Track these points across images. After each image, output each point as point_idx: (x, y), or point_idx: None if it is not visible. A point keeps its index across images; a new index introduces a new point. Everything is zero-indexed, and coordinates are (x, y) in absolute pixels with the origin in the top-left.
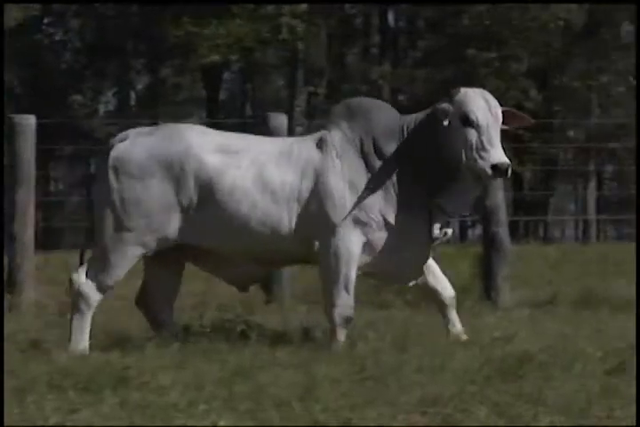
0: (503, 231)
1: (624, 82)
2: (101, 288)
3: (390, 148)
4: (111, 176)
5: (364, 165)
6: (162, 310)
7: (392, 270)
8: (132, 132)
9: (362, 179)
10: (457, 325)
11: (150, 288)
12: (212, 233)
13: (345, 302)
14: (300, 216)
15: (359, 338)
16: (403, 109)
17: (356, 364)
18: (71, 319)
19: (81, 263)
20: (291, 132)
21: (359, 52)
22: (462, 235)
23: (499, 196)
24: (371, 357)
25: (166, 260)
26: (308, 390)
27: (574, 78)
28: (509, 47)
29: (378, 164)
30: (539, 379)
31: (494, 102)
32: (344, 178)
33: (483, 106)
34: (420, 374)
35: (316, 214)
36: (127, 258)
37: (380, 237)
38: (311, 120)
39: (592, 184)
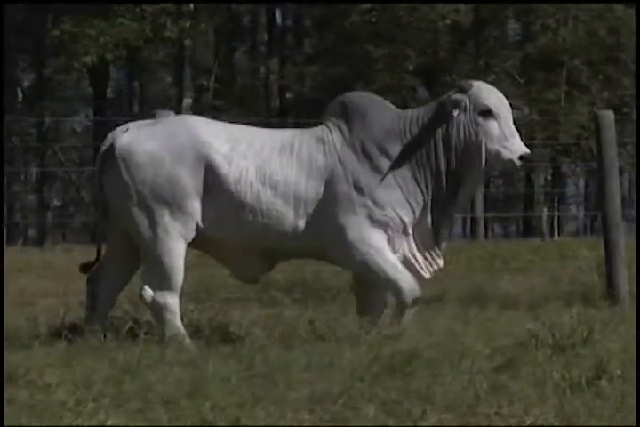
0: None
1: (511, 80)
2: (172, 291)
3: (394, 147)
4: (122, 168)
5: (368, 165)
6: (106, 293)
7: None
8: (132, 124)
9: (368, 180)
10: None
11: (107, 270)
12: (219, 222)
13: (409, 283)
14: (306, 214)
15: (247, 335)
16: (291, 106)
17: (244, 362)
18: (163, 331)
19: (97, 259)
20: None
21: (247, 50)
22: None
23: None
24: (259, 354)
25: (123, 244)
26: (197, 388)
27: (461, 76)
28: (398, 45)
29: (384, 164)
30: (427, 376)
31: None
32: (348, 181)
33: (500, 97)
34: (308, 372)
35: (324, 215)
36: (176, 252)
37: (399, 234)
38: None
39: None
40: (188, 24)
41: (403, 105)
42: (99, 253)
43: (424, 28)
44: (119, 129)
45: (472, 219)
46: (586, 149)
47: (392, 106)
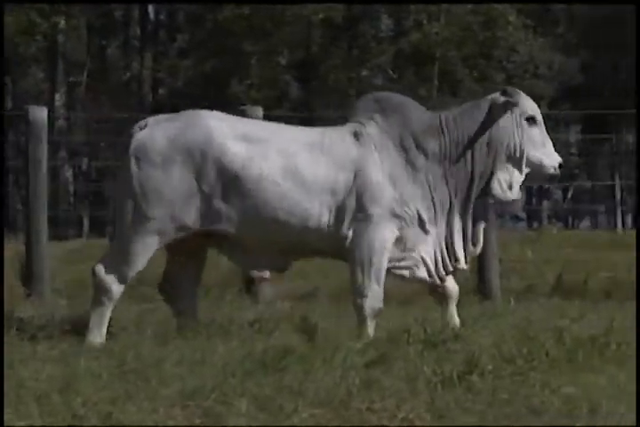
0: None
1: (383, 75)
2: (123, 280)
3: (431, 144)
4: (132, 164)
5: (403, 160)
6: (183, 298)
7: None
8: (151, 119)
9: (401, 173)
10: (455, 317)
11: (172, 275)
12: (239, 221)
13: (376, 294)
14: (331, 208)
15: (120, 331)
16: (165, 101)
17: (116, 357)
18: (91, 311)
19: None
20: (51, 126)
21: (120, 45)
22: None
23: None
24: (131, 350)
25: (189, 247)
26: (68, 383)
27: (335, 71)
28: (271, 40)
29: (418, 160)
30: (300, 372)
31: None
32: (383, 171)
33: (536, 105)
34: (180, 368)
35: (351, 207)
36: (147, 247)
37: (412, 232)
38: (72, 112)
39: None
40: (62, 21)
41: (277, 100)
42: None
43: (297, 22)
44: (138, 124)
45: None
46: None
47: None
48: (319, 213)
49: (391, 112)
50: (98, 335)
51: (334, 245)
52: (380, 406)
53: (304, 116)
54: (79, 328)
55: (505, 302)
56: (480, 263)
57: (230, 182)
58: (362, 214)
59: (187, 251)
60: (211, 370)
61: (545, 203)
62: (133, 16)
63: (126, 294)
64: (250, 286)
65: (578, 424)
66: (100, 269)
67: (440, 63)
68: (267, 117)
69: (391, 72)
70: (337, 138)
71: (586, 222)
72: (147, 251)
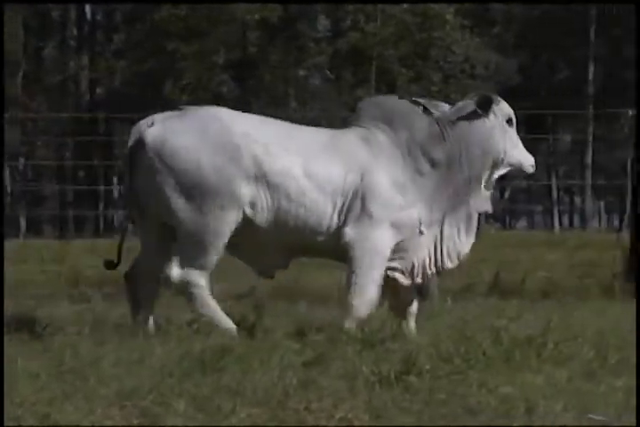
0: None
1: (321, 75)
2: (205, 269)
3: (436, 152)
4: (158, 161)
5: (410, 167)
6: (147, 286)
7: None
8: (157, 117)
9: (407, 180)
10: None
11: (143, 262)
12: (265, 215)
13: (372, 297)
14: (340, 209)
15: (58, 331)
16: (101, 101)
17: (54, 358)
18: (205, 313)
19: (119, 256)
20: None
21: (56, 45)
22: None
23: None
24: (69, 350)
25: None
26: (6, 384)
27: (271, 71)
28: (207, 40)
29: (425, 167)
30: (237, 372)
31: None
32: (390, 176)
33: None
34: (118, 368)
35: (356, 209)
36: (222, 235)
37: (410, 237)
38: (8, 112)
39: None
40: None
41: (214, 100)
42: (120, 248)
43: (233, 23)
44: (144, 123)
45: None
46: None
47: (420, 108)
48: (332, 212)
49: (396, 121)
50: (228, 322)
51: (338, 245)
52: (317, 406)
53: None
54: (20, 327)
55: (442, 302)
56: None
57: (258, 175)
58: (366, 217)
59: (167, 239)
60: (148, 370)
61: None
62: (70, 16)
63: (64, 294)
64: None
65: (515, 424)
66: (176, 272)
67: (377, 63)
68: None
69: (328, 72)
70: (347, 141)
71: (522, 222)
72: (221, 239)
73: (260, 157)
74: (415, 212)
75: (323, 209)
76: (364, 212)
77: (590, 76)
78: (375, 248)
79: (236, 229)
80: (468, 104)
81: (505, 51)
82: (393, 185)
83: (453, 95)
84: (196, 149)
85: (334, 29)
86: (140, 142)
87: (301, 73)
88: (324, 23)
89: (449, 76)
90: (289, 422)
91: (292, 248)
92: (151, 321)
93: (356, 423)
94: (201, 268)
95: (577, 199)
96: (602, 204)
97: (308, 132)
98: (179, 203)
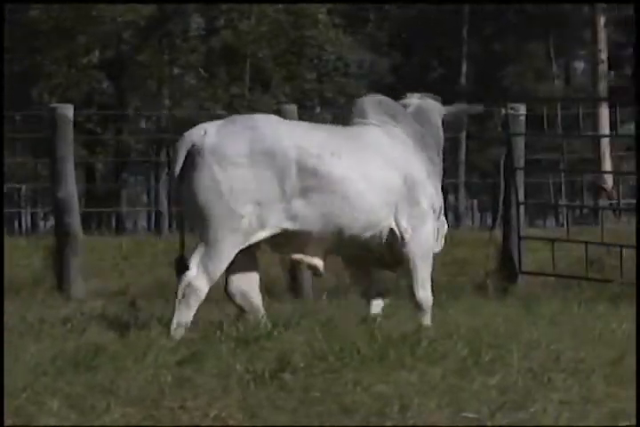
0: (75, 223)
1: (195, 73)
2: (211, 280)
3: (431, 139)
4: (213, 167)
5: (427, 157)
6: (252, 296)
7: None
8: (208, 125)
9: (430, 170)
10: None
11: (238, 277)
12: (314, 221)
13: (430, 287)
14: (396, 208)
15: None
16: None
17: None
18: (177, 310)
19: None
20: None
21: None
22: (34, 226)
23: (70, 187)
24: None
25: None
26: None
27: (144, 70)
28: (79, 39)
29: (434, 157)
30: (111, 370)
31: None
32: (424, 169)
33: None
34: None
35: (405, 204)
36: (236, 247)
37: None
38: None
39: (164, 175)
40: None
41: (86, 99)
42: (182, 247)
43: (105, 22)
44: (198, 130)
45: (156, 213)
46: None
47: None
48: (386, 212)
49: (398, 115)
50: (180, 329)
51: (385, 244)
52: (192, 405)
53: (116, 113)
54: None
55: (317, 300)
56: (292, 262)
57: (308, 181)
58: (417, 212)
59: (248, 250)
60: (22, 369)
61: None
62: None
63: None
64: (62, 283)
65: (388, 423)
66: (191, 269)
67: (252, 61)
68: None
69: (202, 71)
70: (377, 138)
71: None
72: (234, 250)
73: (316, 168)
74: (438, 200)
75: (377, 210)
76: (416, 207)
77: (463, 75)
78: (428, 241)
79: (276, 236)
80: (423, 104)
81: (378, 50)
82: (427, 177)
83: (328, 94)
84: (250, 157)
85: (208, 28)
86: (197, 149)
87: (175, 71)
88: (197, 21)
89: (323, 74)
90: (163, 421)
91: (336, 248)
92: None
93: (231, 422)
94: (211, 277)
95: (450, 197)
96: (475, 202)
97: (340, 132)
98: (217, 208)
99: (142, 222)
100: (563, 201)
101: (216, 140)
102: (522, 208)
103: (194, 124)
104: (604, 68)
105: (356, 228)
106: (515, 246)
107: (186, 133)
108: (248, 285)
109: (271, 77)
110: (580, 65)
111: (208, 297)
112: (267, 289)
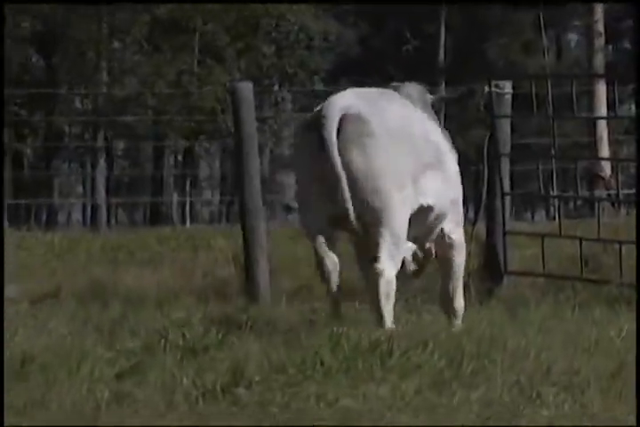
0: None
1: (138, 47)
2: (397, 268)
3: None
4: (384, 139)
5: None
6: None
7: None
8: (355, 102)
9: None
10: None
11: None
12: (433, 196)
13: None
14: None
15: None
16: None
17: None
18: (385, 307)
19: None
20: None
21: None
22: None
23: None
24: None
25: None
26: None
27: (80, 45)
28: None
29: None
30: (42, 383)
31: None
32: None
33: None
34: None
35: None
36: (406, 222)
37: None
38: None
39: (102, 162)
40: None
41: (14, 77)
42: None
43: None
44: (334, 106)
45: (92, 206)
46: (222, 124)
47: None
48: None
49: (428, 105)
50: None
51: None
52: (132, 423)
53: (47, 92)
54: None
55: (275, 305)
56: (247, 260)
57: (432, 158)
58: (454, 209)
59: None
60: None
61: None
62: None
63: None
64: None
65: None
66: (384, 264)
67: (201, 33)
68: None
69: (145, 44)
70: (435, 124)
71: None
72: (406, 227)
73: (439, 141)
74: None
75: (449, 199)
76: (458, 206)
77: (441, 48)
78: (462, 245)
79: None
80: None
81: (345, 20)
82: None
83: (288, 69)
84: (397, 136)
85: None
86: (357, 128)
87: (115, 45)
88: None
89: (283, 47)
90: None
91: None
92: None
93: None
94: (398, 264)
95: None
96: None
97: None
98: (386, 192)
99: (77, 215)
100: (554, 191)
101: (375, 117)
102: (507, 199)
103: (136, 103)
104: (600, 41)
105: (434, 219)
106: (499, 243)
107: (328, 105)
108: (336, 270)
109: (224, 50)
110: (573, 37)
111: (151, 302)
112: (216, 291)
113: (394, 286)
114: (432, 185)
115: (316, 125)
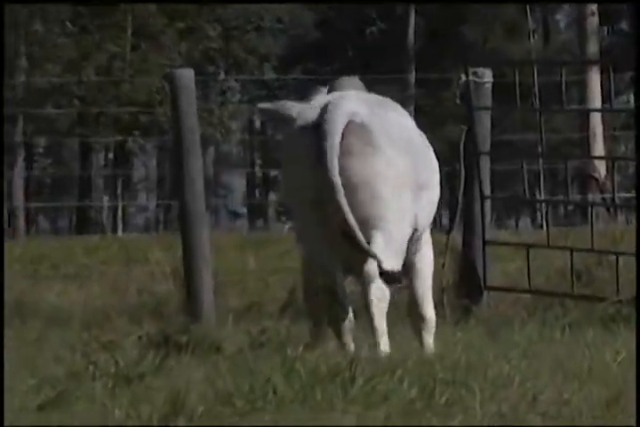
0: None
1: (62, 29)
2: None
3: None
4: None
5: None
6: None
7: None
8: (357, 107)
9: None
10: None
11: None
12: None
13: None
14: None
15: None
16: None
17: None
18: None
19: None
20: None
21: None
22: None
23: None
24: None
25: None
26: None
27: None
28: None
29: None
30: None
31: None
32: None
33: None
34: None
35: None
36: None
37: None
38: None
39: (20, 161)
40: None
41: None
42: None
43: None
44: (338, 113)
45: (10, 210)
46: (159, 118)
47: None
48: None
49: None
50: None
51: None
52: None
53: None
54: None
55: (221, 325)
56: (187, 274)
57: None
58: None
59: None
60: None
61: (272, 195)
62: None
63: None
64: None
65: None
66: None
67: (135, 13)
68: None
69: (69, 25)
70: None
71: None
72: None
73: (433, 171)
74: None
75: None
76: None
77: (411, 30)
78: (431, 251)
79: None
80: None
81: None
82: None
83: (236, 54)
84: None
85: None
86: (364, 134)
87: (36, 28)
88: None
89: (230, 28)
90: None
91: None
92: None
93: None
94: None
95: None
96: None
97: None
98: (387, 198)
99: None
100: (541, 195)
101: (377, 120)
102: (487, 204)
103: (60, 93)
104: (593, 22)
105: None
106: (478, 254)
107: (334, 108)
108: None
109: (161, 33)
110: (562, 18)
111: (77, 322)
112: (152, 310)
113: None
114: (423, 206)
115: (315, 131)
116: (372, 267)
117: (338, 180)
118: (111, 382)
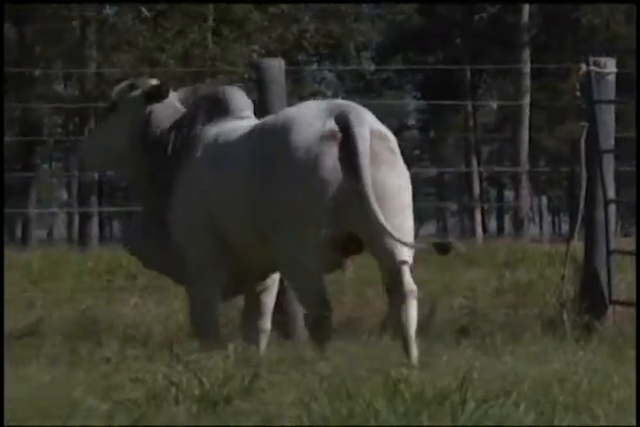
0: None
1: (134, 14)
2: None
3: None
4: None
5: None
6: None
7: None
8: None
9: None
10: None
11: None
12: None
13: None
14: None
15: None
16: None
17: None
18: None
19: None
20: None
21: None
22: None
23: None
24: None
25: None
26: None
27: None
28: None
29: None
30: None
31: None
32: None
33: None
34: None
35: None
36: None
37: None
38: None
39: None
40: None
41: None
42: None
43: None
44: (365, 119)
45: (80, 215)
46: None
47: None
48: None
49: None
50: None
51: None
52: None
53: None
54: None
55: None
56: None
57: None
58: None
59: None
60: None
61: None
62: None
63: None
64: None
65: None
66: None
67: None
68: None
69: (144, 9)
70: None
71: (430, 227)
72: None
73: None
74: None
75: None
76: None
77: (525, 17)
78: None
79: None
80: None
81: None
82: None
83: (329, 41)
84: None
85: None
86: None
87: (106, 11)
88: None
89: (324, 14)
90: None
91: None
92: None
93: None
94: None
95: (508, 193)
96: (544, 199)
97: None
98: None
99: (60, 229)
100: None
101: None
102: (612, 208)
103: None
104: None
105: None
106: (602, 264)
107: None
108: None
109: (246, 19)
110: None
111: (157, 339)
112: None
113: None
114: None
115: (340, 139)
116: (411, 281)
117: (371, 187)
118: (195, 405)
